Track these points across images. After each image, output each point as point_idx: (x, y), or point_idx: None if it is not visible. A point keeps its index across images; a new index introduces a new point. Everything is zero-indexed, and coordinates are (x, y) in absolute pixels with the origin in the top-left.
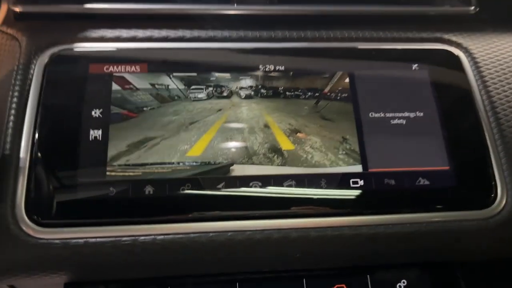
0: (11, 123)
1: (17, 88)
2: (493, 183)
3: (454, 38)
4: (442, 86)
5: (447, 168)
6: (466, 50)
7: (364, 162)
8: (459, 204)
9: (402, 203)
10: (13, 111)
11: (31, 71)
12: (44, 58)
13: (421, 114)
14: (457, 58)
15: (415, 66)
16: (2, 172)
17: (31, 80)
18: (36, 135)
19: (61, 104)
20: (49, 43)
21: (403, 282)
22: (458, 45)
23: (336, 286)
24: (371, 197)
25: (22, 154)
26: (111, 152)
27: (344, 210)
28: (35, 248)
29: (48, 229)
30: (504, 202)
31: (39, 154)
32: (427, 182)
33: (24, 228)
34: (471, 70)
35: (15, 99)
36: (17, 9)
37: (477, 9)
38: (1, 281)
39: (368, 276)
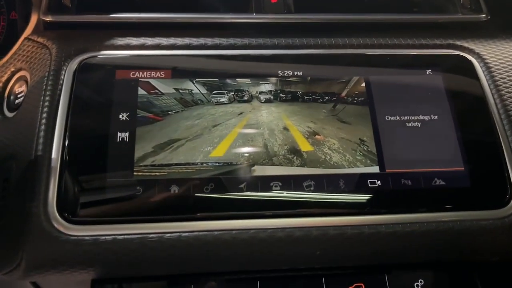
0: (43, 126)
1: (48, 93)
2: (507, 184)
3: (466, 44)
4: (456, 90)
5: (462, 169)
6: (478, 56)
7: (381, 163)
8: (474, 204)
9: (419, 203)
10: (45, 115)
11: (62, 77)
12: (73, 65)
13: (436, 117)
14: (470, 64)
15: (429, 71)
16: (35, 172)
17: (61, 85)
18: (67, 137)
19: (90, 108)
20: (77, 51)
21: (421, 282)
22: (470, 51)
23: (355, 285)
24: (388, 197)
25: (53, 155)
26: (138, 153)
27: (363, 209)
28: (66, 244)
29: (79, 226)
30: None
31: (69, 155)
32: (442, 183)
33: (55, 225)
34: (483, 75)
35: (46, 103)
36: (47, 18)
37: (488, 16)
38: (32, 276)
39: (386, 275)
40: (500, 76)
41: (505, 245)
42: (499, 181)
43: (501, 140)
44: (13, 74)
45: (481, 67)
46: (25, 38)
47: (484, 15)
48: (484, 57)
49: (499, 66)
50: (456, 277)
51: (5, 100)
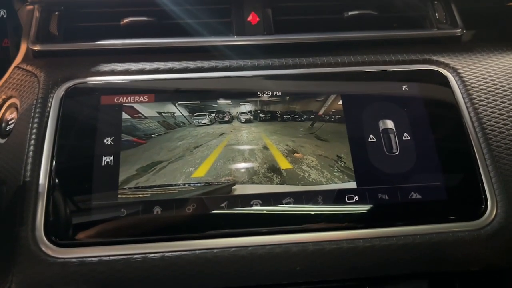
0: (31, 152)
1: (36, 120)
2: (483, 195)
3: (442, 59)
4: (432, 105)
5: (438, 182)
6: (453, 70)
7: (358, 178)
8: (451, 216)
9: (396, 217)
10: (33, 141)
11: (49, 104)
12: (60, 92)
13: (412, 132)
14: (445, 78)
15: (405, 86)
16: (23, 198)
17: (48, 112)
18: (54, 163)
19: (76, 133)
20: (64, 78)
21: None
22: (446, 66)
23: None
24: (365, 211)
25: (41, 180)
26: (122, 176)
27: (341, 225)
28: (54, 266)
29: (65, 249)
30: (494, 213)
31: (56, 180)
32: (419, 196)
33: (43, 248)
34: (458, 89)
35: (34, 130)
36: (36, 47)
37: (464, 31)
38: None
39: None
40: (474, 89)
41: (483, 255)
42: (474, 193)
43: (476, 153)
44: (4, 101)
45: (456, 81)
46: (15, 67)
47: (459, 30)
48: (459, 71)
49: (473, 80)
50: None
51: None
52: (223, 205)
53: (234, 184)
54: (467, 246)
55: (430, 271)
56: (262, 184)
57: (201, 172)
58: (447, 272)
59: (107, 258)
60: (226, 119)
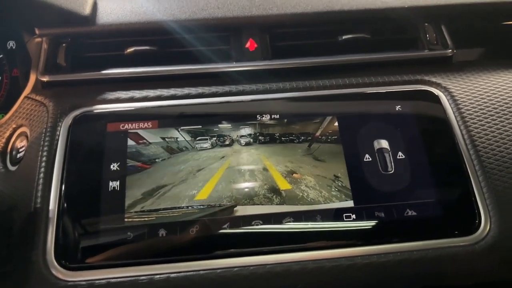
0: (41, 179)
1: (45, 148)
2: (476, 210)
3: (434, 79)
4: (424, 124)
5: (432, 199)
6: (445, 90)
7: (355, 197)
8: (445, 232)
9: (392, 234)
10: (42, 169)
11: (57, 133)
12: (68, 121)
13: (406, 150)
14: (437, 98)
15: (398, 107)
16: (34, 223)
17: (57, 140)
18: (63, 189)
19: (83, 160)
20: (72, 107)
21: None
22: (438, 86)
23: None
24: (363, 229)
25: (51, 206)
26: (128, 200)
27: (339, 243)
28: None
29: (75, 272)
30: (488, 227)
31: (65, 206)
32: (414, 213)
33: (54, 272)
34: (450, 108)
35: (44, 158)
36: (45, 78)
37: (454, 51)
38: None
39: None
40: (466, 108)
41: (478, 269)
42: (468, 209)
43: (469, 170)
44: (14, 130)
45: (447, 100)
46: (25, 97)
47: (450, 50)
48: (451, 90)
49: (465, 99)
50: None
51: (8, 154)
52: (225, 226)
53: (235, 206)
54: (463, 261)
55: (428, 286)
56: (262, 204)
57: (203, 195)
58: (444, 287)
59: (115, 280)
60: (227, 142)
